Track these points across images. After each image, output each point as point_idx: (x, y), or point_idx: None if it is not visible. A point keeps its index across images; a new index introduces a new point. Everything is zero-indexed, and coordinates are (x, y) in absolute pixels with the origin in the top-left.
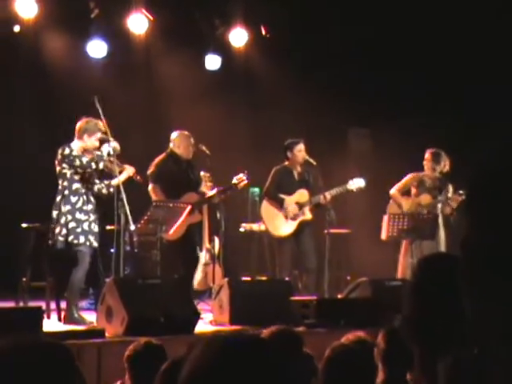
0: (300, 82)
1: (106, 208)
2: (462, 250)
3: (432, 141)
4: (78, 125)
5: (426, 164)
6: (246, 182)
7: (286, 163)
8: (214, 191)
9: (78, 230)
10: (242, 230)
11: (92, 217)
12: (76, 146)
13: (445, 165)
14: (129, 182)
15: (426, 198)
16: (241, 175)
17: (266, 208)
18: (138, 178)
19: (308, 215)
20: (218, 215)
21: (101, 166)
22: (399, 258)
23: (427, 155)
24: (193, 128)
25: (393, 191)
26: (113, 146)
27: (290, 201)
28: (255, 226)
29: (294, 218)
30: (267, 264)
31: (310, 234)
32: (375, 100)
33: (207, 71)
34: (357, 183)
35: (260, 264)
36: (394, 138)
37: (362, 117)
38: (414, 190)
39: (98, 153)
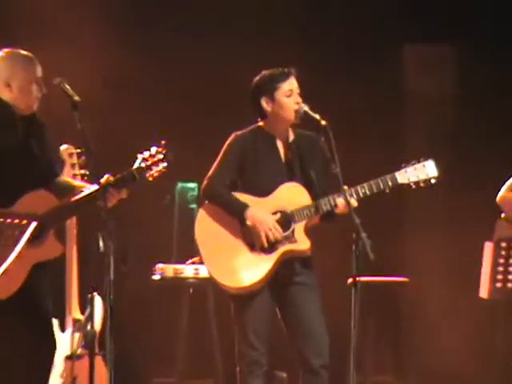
0: None
1: None
2: None
3: None
4: None
5: None
6: (164, 164)
7: (260, 124)
8: (94, 188)
9: None
10: (156, 277)
11: None
12: None
13: None
14: None
15: None
16: (153, 150)
17: (208, 225)
18: None
19: (304, 243)
20: (102, 245)
21: None
22: None
23: None
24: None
25: (502, 193)
26: None
27: (263, 206)
28: (188, 270)
29: (271, 248)
30: (215, 352)
31: (313, 286)
32: None
33: None
34: (420, 171)
35: (197, 352)
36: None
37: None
38: None
39: None
